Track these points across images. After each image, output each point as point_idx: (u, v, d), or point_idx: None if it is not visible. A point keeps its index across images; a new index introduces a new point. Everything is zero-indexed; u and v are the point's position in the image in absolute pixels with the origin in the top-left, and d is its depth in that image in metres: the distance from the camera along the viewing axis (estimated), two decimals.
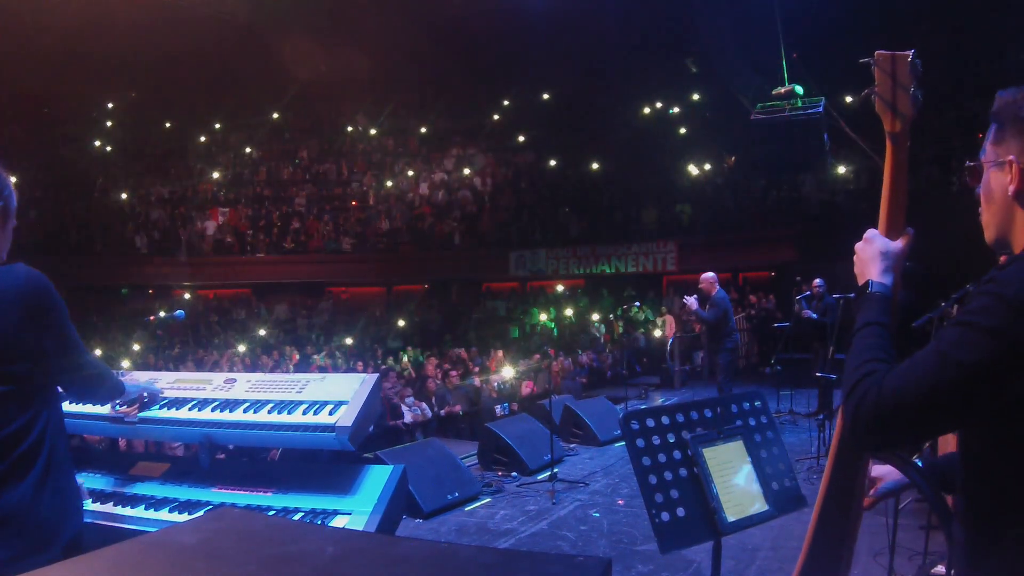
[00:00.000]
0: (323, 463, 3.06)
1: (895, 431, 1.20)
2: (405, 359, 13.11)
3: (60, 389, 1.97)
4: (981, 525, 1.25)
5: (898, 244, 1.49)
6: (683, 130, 20.57)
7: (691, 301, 8.16)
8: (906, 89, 1.48)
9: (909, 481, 1.69)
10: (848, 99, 17.69)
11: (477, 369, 12.30)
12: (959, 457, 1.32)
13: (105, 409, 2.77)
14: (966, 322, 1.15)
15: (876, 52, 1.51)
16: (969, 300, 1.20)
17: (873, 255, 1.48)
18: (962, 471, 1.31)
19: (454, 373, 10.93)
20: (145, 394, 2.78)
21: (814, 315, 8.85)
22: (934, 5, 15.38)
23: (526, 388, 11.41)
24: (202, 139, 24.44)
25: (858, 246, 1.53)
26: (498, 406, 9.59)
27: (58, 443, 1.84)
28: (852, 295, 1.55)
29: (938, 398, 1.15)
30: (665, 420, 2.14)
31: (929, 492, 1.58)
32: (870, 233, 1.52)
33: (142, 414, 2.78)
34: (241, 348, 15.31)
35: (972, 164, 1.37)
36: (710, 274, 8.47)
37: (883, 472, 1.74)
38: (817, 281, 9.02)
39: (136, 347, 16.20)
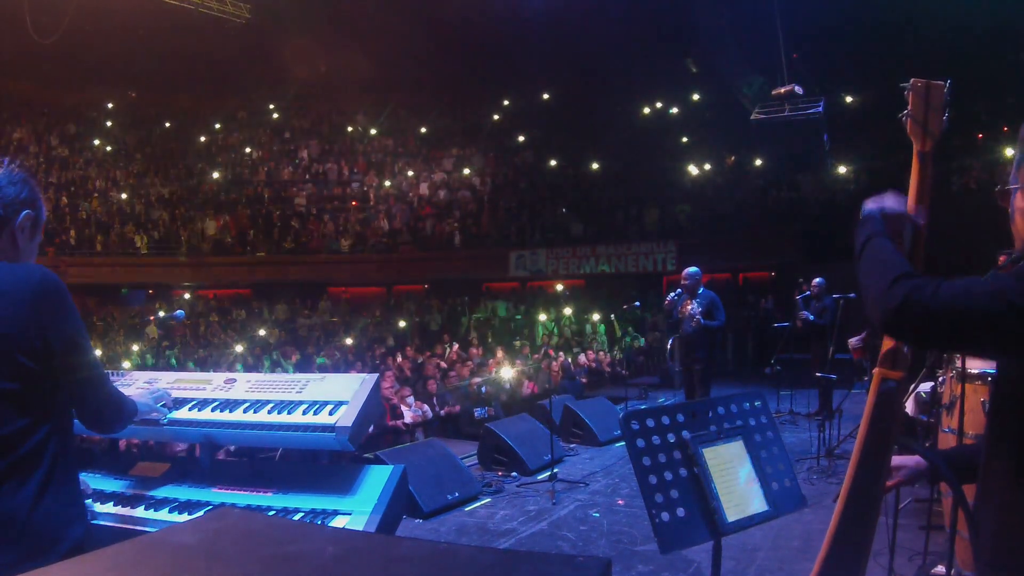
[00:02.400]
0: (323, 463, 3.06)
1: (936, 330, 1.33)
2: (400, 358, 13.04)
3: (70, 406, 1.92)
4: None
5: (898, 205, 1.61)
6: (683, 130, 20.57)
7: (696, 309, 7.57)
8: (938, 114, 1.64)
9: (924, 468, 1.77)
10: (848, 99, 17.70)
11: (471, 366, 12.24)
12: (997, 401, 1.44)
13: None
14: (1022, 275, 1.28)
15: (912, 79, 1.66)
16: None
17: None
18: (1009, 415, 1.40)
19: (452, 373, 10.91)
20: (154, 414, 2.71)
21: (811, 316, 8.85)
22: (933, 5, 15.38)
23: (527, 388, 11.40)
24: (202, 139, 24.45)
25: None
26: (477, 409, 9.45)
27: (63, 447, 1.80)
28: (852, 295, 1.64)
29: (984, 321, 1.28)
30: (665, 420, 2.14)
31: (950, 475, 1.66)
32: None
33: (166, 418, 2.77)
34: (238, 348, 15.29)
35: (1000, 188, 1.52)
36: (695, 269, 7.88)
37: (901, 461, 1.81)
38: (817, 280, 8.99)
39: (136, 347, 16.21)
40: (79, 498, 1.88)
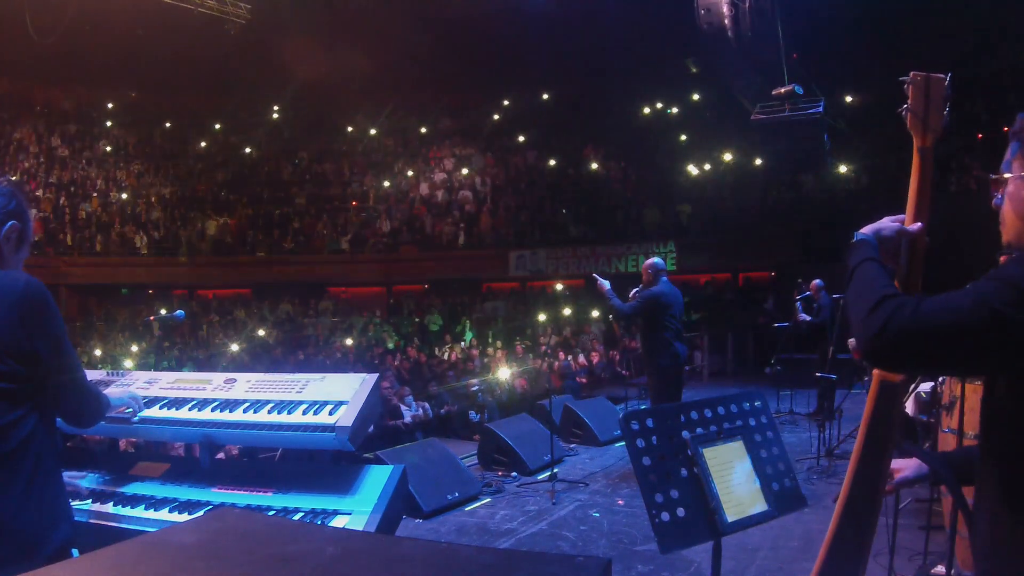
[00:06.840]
0: (323, 463, 3.06)
1: (919, 351, 1.27)
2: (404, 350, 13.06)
3: (52, 405, 1.92)
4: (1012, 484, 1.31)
5: (893, 224, 1.59)
6: (683, 130, 20.57)
7: (603, 282, 6.38)
8: (939, 108, 1.59)
9: (927, 471, 1.76)
10: (848, 99, 17.70)
11: (472, 366, 12.24)
12: (985, 420, 1.40)
13: None
14: (1006, 279, 1.23)
15: (912, 72, 1.60)
16: (1005, 265, 1.29)
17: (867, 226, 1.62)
18: (991, 433, 1.38)
19: (451, 373, 10.92)
20: (127, 409, 2.72)
21: (808, 318, 8.87)
22: (934, 5, 15.37)
23: (521, 386, 11.38)
24: (202, 139, 24.45)
25: None
26: (472, 412, 9.40)
27: (46, 450, 1.80)
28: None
29: (967, 333, 1.22)
30: (665, 420, 2.14)
31: (950, 479, 1.64)
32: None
33: (141, 414, 2.78)
34: (234, 347, 15.29)
35: (996, 177, 1.48)
36: (656, 260, 6.82)
37: (901, 464, 1.80)
38: (815, 282, 9.00)
39: (136, 347, 16.20)
40: (64, 499, 1.87)
